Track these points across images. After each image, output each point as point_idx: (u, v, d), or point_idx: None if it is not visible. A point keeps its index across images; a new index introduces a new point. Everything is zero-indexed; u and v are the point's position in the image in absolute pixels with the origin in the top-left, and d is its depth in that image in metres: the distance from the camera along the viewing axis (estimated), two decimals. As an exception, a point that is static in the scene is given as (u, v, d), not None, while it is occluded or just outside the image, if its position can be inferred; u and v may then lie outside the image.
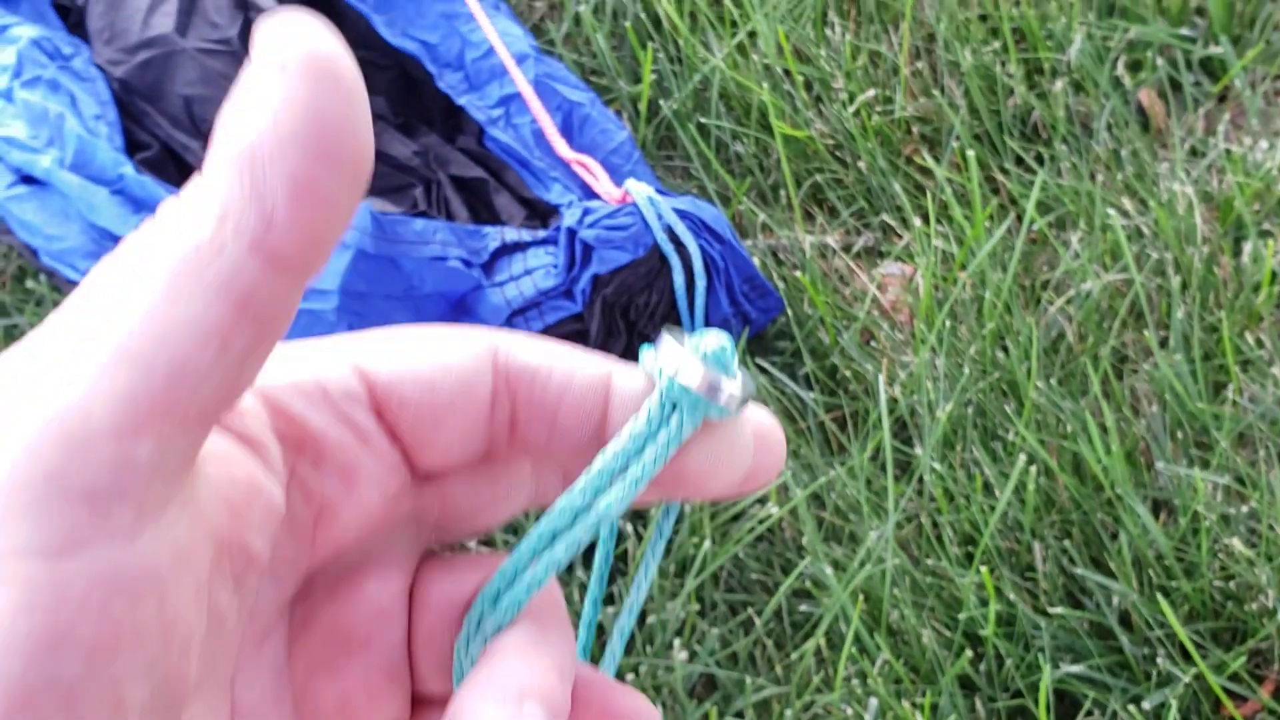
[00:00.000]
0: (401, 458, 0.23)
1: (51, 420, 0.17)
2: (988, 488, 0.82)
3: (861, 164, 0.96)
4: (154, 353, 0.17)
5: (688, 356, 0.23)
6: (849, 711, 0.75)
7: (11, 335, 0.98)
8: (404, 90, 0.97)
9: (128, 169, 0.88)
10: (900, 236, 0.95)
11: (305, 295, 0.84)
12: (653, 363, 0.23)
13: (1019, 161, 0.96)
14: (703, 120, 0.99)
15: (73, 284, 0.91)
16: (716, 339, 0.23)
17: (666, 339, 0.23)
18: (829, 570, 0.79)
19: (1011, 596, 0.78)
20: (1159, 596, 0.76)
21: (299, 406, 0.22)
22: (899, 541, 0.81)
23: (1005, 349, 0.86)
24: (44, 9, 1.00)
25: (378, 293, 0.83)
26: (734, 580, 0.83)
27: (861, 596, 0.78)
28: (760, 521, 0.82)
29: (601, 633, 0.79)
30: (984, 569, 0.76)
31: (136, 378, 0.17)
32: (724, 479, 0.24)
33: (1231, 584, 0.77)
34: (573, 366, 0.24)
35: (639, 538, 0.84)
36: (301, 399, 0.22)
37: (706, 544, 0.81)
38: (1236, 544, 0.77)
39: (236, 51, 0.95)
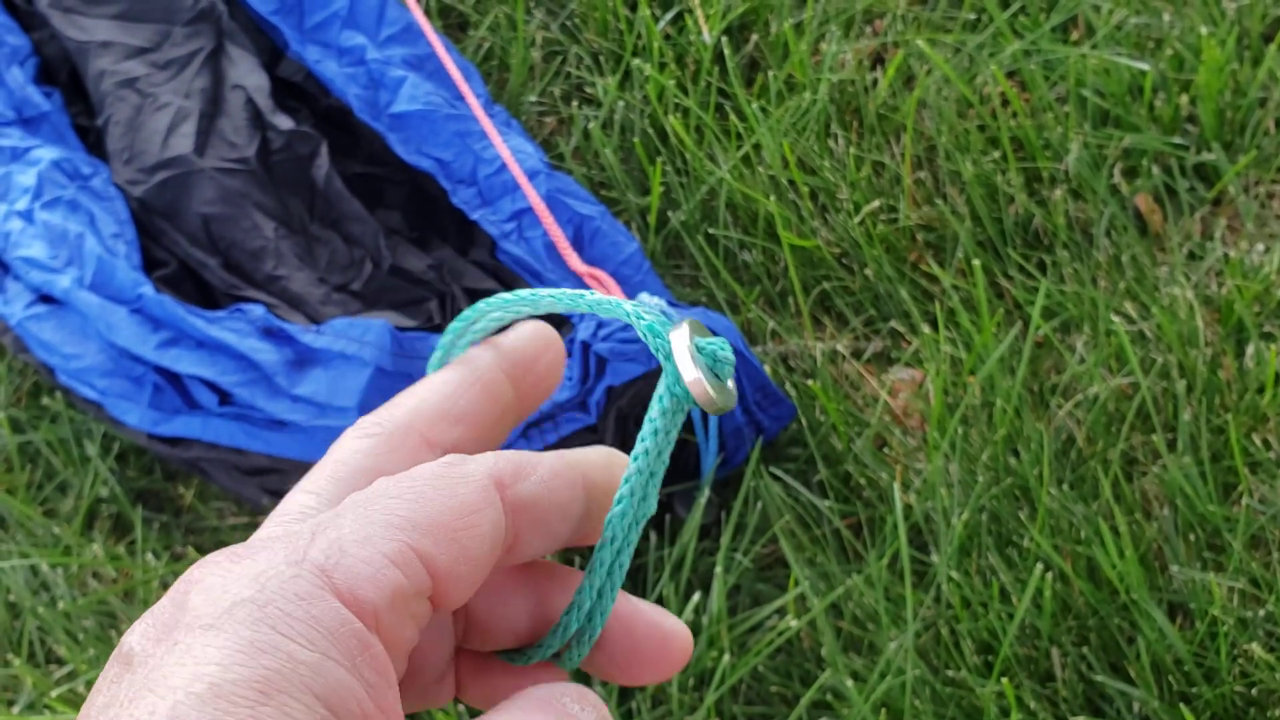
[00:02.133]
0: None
1: None
2: (1004, 595, 0.82)
3: (868, 271, 0.97)
4: None
5: (703, 377, 0.26)
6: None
7: (25, 451, 0.99)
8: (418, 205, 0.99)
9: (147, 289, 0.89)
10: (909, 342, 0.96)
11: (324, 412, 0.85)
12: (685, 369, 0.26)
13: (1021, 268, 0.98)
14: (711, 230, 1.01)
15: (89, 402, 0.92)
16: (724, 351, 0.26)
17: (681, 351, 0.26)
18: (849, 683, 0.78)
19: (1032, 705, 0.78)
20: (1181, 705, 0.76)
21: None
22: (917, 651, 0.81)
23: (1016, 454, 0.87)
24: (64, 130, 1.03)
25: (395, 408, 0.83)
26: (753, 693, 0.83)
27: (883, 709, 0.78)
28: (779, 633, 0.82)
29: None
30: (1005, 679, 0.76)
31: None
32: None
33: (1254, 690, 0.77)
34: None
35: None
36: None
37: (725, 657, 0.81)
38: (1256, 649, 0.77)
39: (254, 170, 0.97)
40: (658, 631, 0.27)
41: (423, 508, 0.24)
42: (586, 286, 0.92)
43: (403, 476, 0.25)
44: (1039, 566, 0.80)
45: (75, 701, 0.86)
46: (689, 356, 0.25)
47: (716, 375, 0.26)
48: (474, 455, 0.26)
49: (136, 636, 0.21)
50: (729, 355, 0.26)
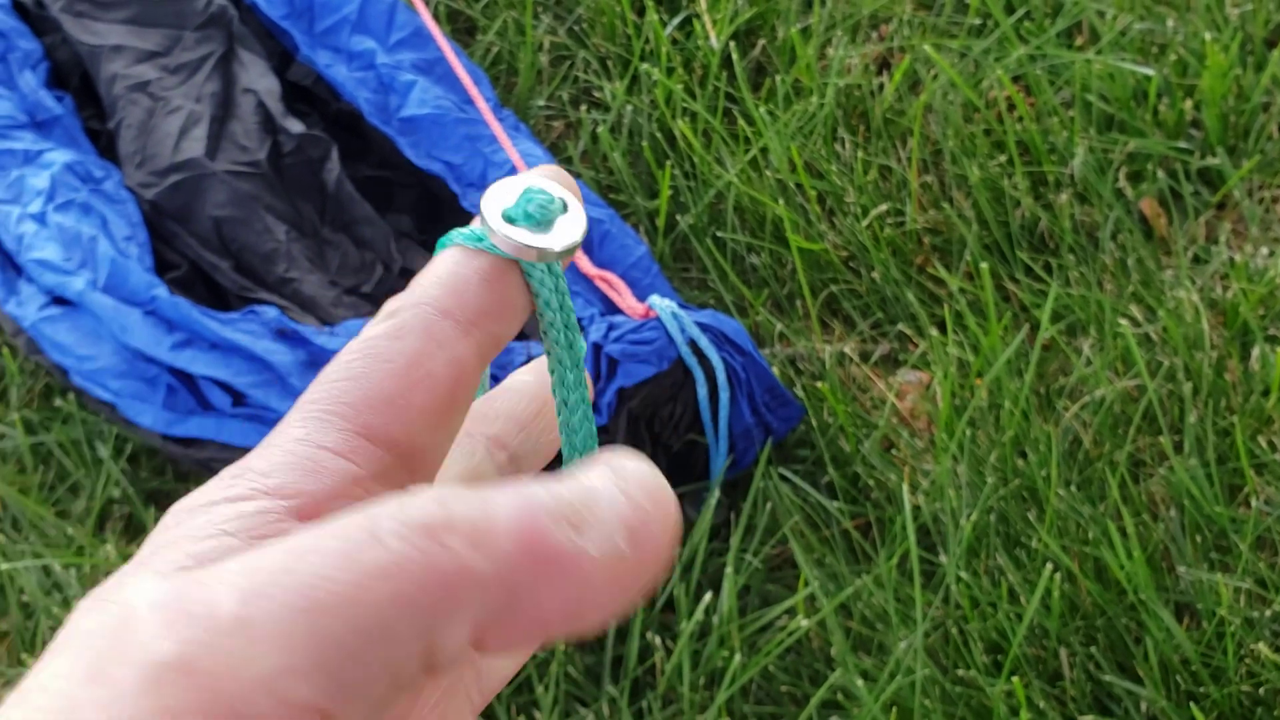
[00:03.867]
0: None
1: None
2: (1013, 595, 0.82)
3: (875, 274, 0.98)
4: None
5: (513, 236, 0.22)
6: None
7: (38, 453, 0.99)
8: (428, 208, 1.00)
9: (161, 291, 0.90)
10: (916, 344, 0.97)
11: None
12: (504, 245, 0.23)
13: (1028, 271, 0.98)
14: (719, 234, 1.01)
15: (102, 403, 0.92)
16: (521, 193, 0.23)
17: (485, 216, 0.23)
18: (859, 682, 0.79)
19: (1041, 704, 0.79)
20: (1189, 704, 0.76)
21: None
22: (927, 650, 0.82)
23: (1024, 456, 0.88)
24: (76, 134, 1.03)
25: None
26: (763, 693, 0.83)
27: (893, 708, 0.78)
28: (789, 633, 0.82)
29: None
30: (1014, 679, 0.77)
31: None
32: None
33: (1261, 690, 0.78)
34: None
35: (667, 652, 0.84)
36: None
37: (736, 657, 0.81)
38: (1263, 649, 0.78)
39: (265, 173, 0.97)
40: None
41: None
42: (597, 289, 0.93)
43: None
44: (1047, 567, 0.80)
45: (88, 701, 0.87)
46: (496, 218, 0.23)
47: (540, 221, 0.23)
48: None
49: None
50: (544, 191, 0.23)
